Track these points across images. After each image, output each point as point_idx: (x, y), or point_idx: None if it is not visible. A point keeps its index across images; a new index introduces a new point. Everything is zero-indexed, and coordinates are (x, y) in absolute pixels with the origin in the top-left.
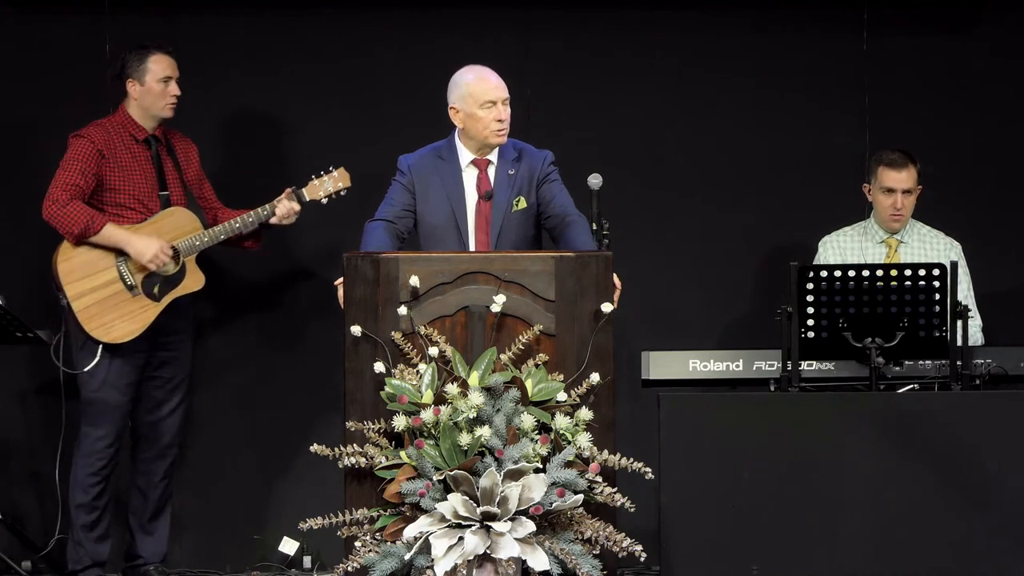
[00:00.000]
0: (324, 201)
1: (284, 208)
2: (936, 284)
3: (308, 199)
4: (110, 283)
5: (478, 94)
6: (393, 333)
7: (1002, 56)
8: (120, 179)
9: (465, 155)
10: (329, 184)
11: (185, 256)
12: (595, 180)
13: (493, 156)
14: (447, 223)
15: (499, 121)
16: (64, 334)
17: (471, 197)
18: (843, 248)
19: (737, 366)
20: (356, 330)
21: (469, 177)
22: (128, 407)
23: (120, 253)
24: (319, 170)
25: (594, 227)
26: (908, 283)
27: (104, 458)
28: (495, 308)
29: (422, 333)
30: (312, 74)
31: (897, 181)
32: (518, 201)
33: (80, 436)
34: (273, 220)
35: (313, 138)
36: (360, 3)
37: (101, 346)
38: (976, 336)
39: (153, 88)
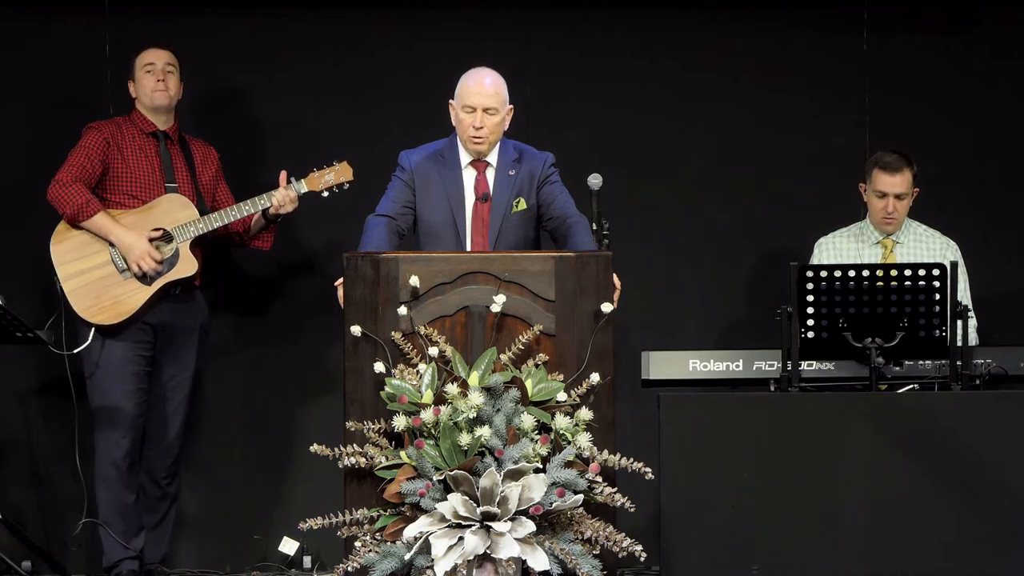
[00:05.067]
0: (324, 194)
1: (280, 196)
2: (936, 284)
3: (307, 190)
4: (102, 265)
5: (462, 95)
6: (393, 333)
7: (1002, 56)
8: (123, 167)
9: (464, 155)
10: (330, 177)
11: (179, 241)
12: (595, 180)
13: (492, 158)
14: (445, 222)
15: (475, 128)
16: (64, 317)
17: (469, 198)
18: (839, 249)
19: (737, 366)
20: (356, 330)
21: (468, 178)
22: (138, 397)
23: None
24: (321, 163)
25: (594, 227)
26: (908, 283)
27: (120, 449)
28: (495, 308)
29: (422, 333)
30: (312, 74)
31: (890, 185)
32: (518, 202)
33: (95, 433)
34: (271, 209)
35: (313, 138)
36: (360, 3)
37: (93, 329)
38: (971, 336)
39: (141, 80)
